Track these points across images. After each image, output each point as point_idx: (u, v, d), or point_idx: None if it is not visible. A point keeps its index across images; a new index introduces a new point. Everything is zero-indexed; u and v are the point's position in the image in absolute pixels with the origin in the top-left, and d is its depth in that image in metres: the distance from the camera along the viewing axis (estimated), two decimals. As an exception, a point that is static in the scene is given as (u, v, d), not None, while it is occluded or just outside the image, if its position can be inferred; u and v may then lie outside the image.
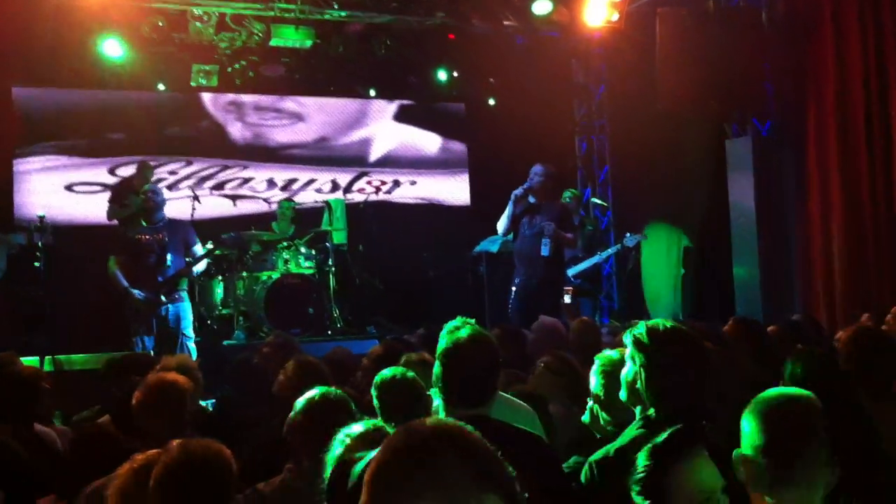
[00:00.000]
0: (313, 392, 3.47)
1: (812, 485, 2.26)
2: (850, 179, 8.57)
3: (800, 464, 2.24)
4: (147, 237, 7.82)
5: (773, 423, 2.27)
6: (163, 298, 7.71)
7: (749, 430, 2.30)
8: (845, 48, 8.62)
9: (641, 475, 2.69)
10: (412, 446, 1.47)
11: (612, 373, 3.52)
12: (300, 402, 3.46)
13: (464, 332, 3.23)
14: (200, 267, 8.15)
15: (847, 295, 8.53)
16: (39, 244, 8.16)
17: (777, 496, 2.26)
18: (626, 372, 3.24)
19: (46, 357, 7.74)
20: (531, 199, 8.03)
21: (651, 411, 3.08)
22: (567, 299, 7.36)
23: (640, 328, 3.17)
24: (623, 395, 3.27)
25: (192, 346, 7.87)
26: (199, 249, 8.00)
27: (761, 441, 2.26)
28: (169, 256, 7.78)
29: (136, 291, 7.66)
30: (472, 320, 3.53)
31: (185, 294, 7.96)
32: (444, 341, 3.28)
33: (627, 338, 3.23)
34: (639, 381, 3.12)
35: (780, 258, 9.32)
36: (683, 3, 9.27)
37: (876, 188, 8.38)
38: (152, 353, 7.21)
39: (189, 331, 7.92)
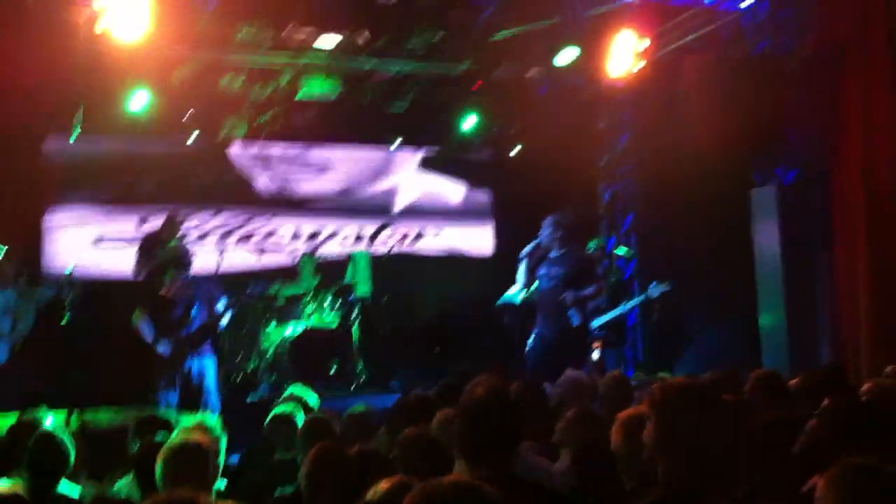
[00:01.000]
0: None
1: None
2: (876, 228, 8.48)
3: None
4: (173, 291, 7.88)
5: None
6: (187, 353, 7.74)
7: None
8: (872, 96, 8.56)
9: None
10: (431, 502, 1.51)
11: (632, 431, 3.47)
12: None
13: (481, 389, 3.21)
14: (224, 321, 8.17)
15: (874, 344, 8.40)
16: (67, 300, 8.22)
17: None
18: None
19: (74, 411, 7.76)
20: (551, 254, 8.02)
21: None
22: (595, 355, 7.25)
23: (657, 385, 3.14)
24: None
25: (215, 401, 7.87)
26: (222, 306, 8.04)
27: None
28: (194, 310, 7.83)
29: (160, 346, 7.71)
30: (492, 375, 3.51)
31: (209, 348, 7.99)
32: (463, 399, 3.26)
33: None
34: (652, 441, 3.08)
35: (807, 307, 9.21)
36: (709, 51, 9.27)
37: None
38: (176, 408, 7.22)
39: (213, 386, 7.93)
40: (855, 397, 4.66)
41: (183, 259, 8.00)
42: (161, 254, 9.13)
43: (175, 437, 4.01)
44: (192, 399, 7.54)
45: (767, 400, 4.79)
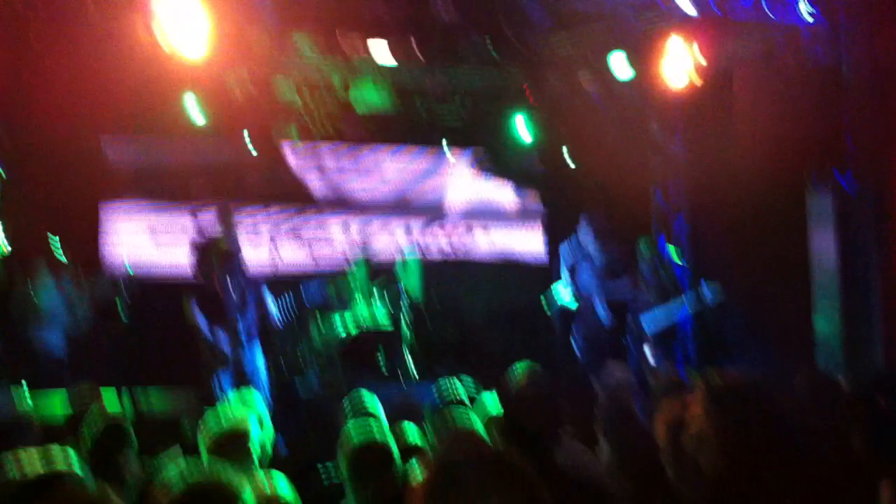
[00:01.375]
0: None
1: None
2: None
3: None
4: (228, 283, 8.02)
5: None
6: (241, 343, 7.86)
7: None
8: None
9: None
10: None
11: (677, 425, 3.45)
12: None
13: (522, 376, 3.23)
14: (276, 314, 8.30)
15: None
16: (124, 292, 8.40)
17: None
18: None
19: (124, 389, 7.91)
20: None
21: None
22: (647, 350, 7.20)
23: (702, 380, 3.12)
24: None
25: (266, 392, 7.97)
26: (272, 299, 8.17)
27: None
28: (249, 302, 7.96)
29: (215, 336, 7.85)
30: (535, 364, 3.53)
31: (258, 340, 8.11)
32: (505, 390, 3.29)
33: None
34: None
35: (863, 312, 9.09)
36: (767, 61, 9.19)
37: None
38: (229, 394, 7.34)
39: (263, 376, 8.05)
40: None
41: (235, 251, 8.15)
42: (215, 246, 9.31)
43: (220, 422, 4.10)
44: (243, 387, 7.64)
45: (818, 404, 4.73)
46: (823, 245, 9.27)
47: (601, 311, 8.06)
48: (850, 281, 9.09)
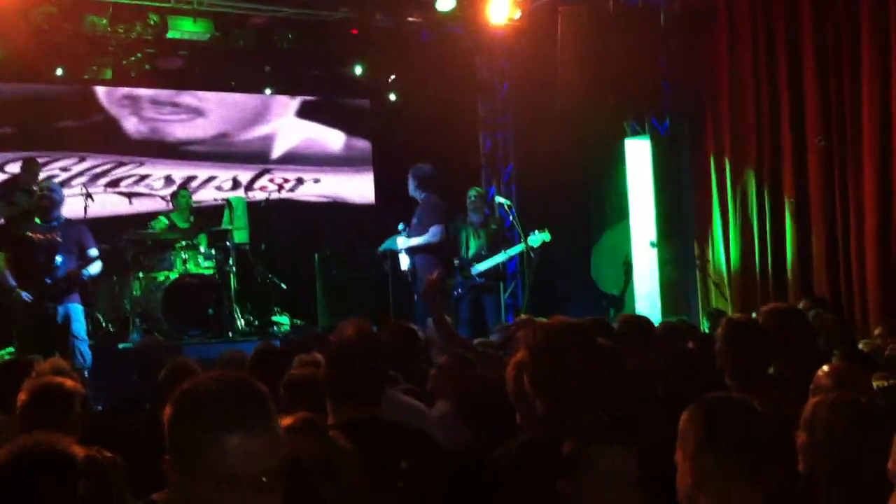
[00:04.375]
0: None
1: None
2: (740, 176, 8.83)
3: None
4: (38, 236, 7.53)
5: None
6: (49, 301, 7.44)
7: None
8: (738, 45, 8.86)
9: None
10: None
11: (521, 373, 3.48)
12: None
13: (350, 333, 3.20)
14: (94, 270, 7.86)
15: (740, 293, 8.79)
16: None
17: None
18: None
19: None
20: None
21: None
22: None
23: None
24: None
25: (86, 349, 7.61)
26: (94, 252, 7.74)
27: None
28: (59, 257, 7.50)
29: (23, 292, 7.38)
30: (360, 319, 3.51)
31: (76, 296, 7.68)
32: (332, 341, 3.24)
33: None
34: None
35: (678, 257, 9.52)
36: (584, 2, 9.37)
37: (762, 183, 8.61)
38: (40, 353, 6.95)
39: (82, 333, 7.65)
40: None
41: (52, 203, 7.63)
42: (22, 198, 8.74)
43: (35, 380, 3.83)
44: (59, 347, 7.24)
45: (635, 345, 4.91)
46: (641, 190, 9.62)
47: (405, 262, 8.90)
48: (666, 225, 9.49)
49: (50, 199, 7.64)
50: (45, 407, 3.61)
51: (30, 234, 7.53)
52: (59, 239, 7.53)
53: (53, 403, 3.63)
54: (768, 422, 2.39)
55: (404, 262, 8.98)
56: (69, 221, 7.89)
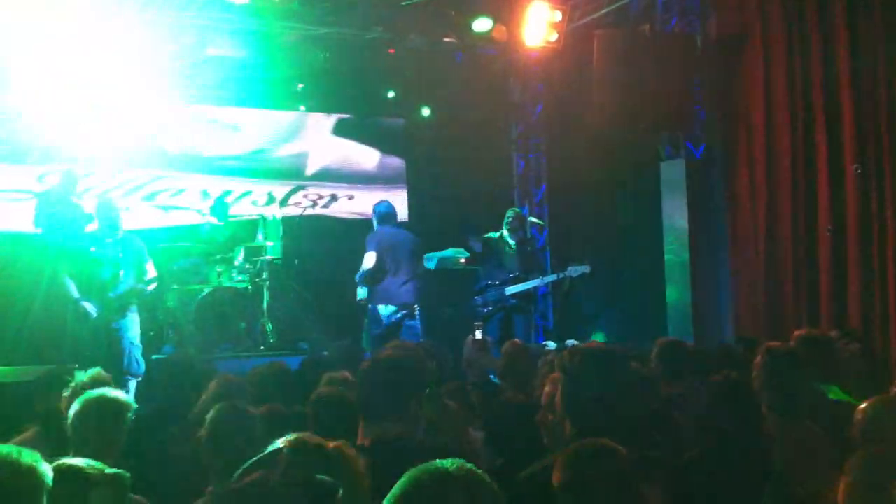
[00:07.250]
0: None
1: None
2: (775, 201, 8.77)
3: None
4: (102, 251, 7.69)
5: None
6: (113, 314, 7.58)
7: None
8: (773, 72, 8.82)
9: None
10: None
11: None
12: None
13: (388, 351, 3.23)
14: (152, 287, 8.06)
15: (771, 317, 8.71)
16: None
17: None
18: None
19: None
20: None
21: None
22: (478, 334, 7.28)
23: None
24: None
25: (140, 356, 7.75)
26: (150, 267, 7.91)
27: None
28: (123, 273, 7.69)
29: (87, 305, 7.53)
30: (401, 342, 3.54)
31: (134, 308, 7.86)
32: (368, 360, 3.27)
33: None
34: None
35: (712, 280, 9.46)
36: (620, 26, 9.40)
37: (797, 210, 8.55)
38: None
39: (137, 340, 7.81)
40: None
41: (111, 216, 7.80)
42: (68, 210, 8.86)
43: (86, 393, 3.89)
44: (114, 357, 7.36)
45: (669, 371, 4.91)
46: (675, 214, 9.58)
47: None
48: (699, 249, 9.44)
49: (116, 214, 7.82)
50: (97, 419, 3.69)
51: (93, 249, 7.70)
52: (121, 254, 7.69)
53: (105, 415, 3.72)
54: None
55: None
56: (129, 236, 8.06)
